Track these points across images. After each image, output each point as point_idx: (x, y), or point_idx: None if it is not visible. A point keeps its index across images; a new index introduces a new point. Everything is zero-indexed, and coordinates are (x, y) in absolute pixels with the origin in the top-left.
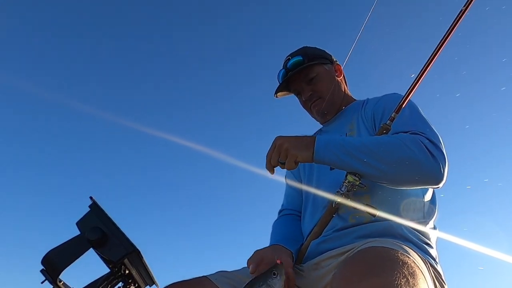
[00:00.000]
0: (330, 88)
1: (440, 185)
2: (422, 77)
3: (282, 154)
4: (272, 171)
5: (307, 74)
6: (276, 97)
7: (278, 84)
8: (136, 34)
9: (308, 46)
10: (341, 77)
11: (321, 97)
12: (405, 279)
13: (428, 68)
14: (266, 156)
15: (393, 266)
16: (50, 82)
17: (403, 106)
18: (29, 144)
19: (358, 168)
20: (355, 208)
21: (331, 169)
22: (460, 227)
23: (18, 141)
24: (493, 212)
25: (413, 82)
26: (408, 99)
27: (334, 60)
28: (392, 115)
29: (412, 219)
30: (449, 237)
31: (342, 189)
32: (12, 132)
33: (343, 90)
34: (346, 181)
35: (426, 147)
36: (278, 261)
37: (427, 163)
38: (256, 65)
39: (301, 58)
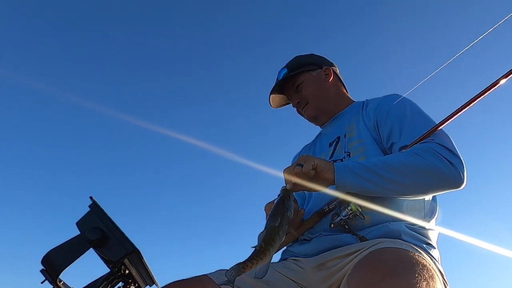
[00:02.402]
0: (317, 92)
1: (461, 187)
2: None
3: (302, 159)
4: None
5: (293, 83)
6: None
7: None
8: (138, 30)
9: (299, 55)
10: (331, 80)
11: (309, 102)
12: (426, 282)
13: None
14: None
15: (413, 268)
16: (50, 78)
17: (417, 142)
18: (28, 142)
19: (382, 185)
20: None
21: None
22: (464, 225)
23: (17, 139)
24: (497, 211)
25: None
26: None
27: (327, 64)
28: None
29: (413, 220)
30: (453, 233)
31: (343, 214)
32: (11, 130)
33: (335, 93)
34: (349, 209)
35: (441, 154)
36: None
37: (446, 171)
38: (258, 63)
39: (286, 70)
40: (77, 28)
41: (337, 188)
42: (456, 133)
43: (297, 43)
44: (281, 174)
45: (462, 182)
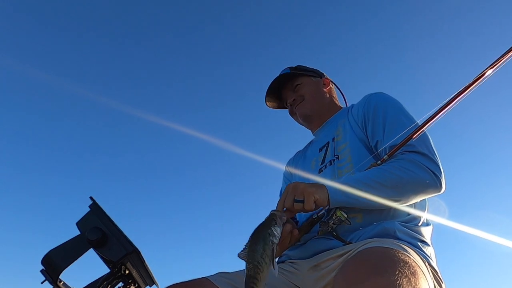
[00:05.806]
0: (314, 94)
1: (441, 193)
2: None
3: (298, 193)
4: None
5: (292, 83)
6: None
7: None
8: (145, 29)
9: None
10: (328, 89)
11: (305, 99)
12: (407, 279)
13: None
14: (279, 202)
15: (395, 266)
16: (49, 76)
17: (398, 148)
18: (28, 142)
19: (372, 203)
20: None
21: (319, 171)
22: (481, 222)
23: (17, 139)
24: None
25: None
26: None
27: (325, 76)
28: (388, 153)
29: (404, 217)
30: (469, 229)
31: (330, 221)
32: (12, 130)
33: (329, 100)
34: (334, 216)
35: (423, 164)
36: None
37: (430, 181)
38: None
39: (288, 70)
40: (75, 25)
41: (331, 205)
42: (472, 131)
43: (313, 43)
44: (282, 168)
45: (442, 188)
